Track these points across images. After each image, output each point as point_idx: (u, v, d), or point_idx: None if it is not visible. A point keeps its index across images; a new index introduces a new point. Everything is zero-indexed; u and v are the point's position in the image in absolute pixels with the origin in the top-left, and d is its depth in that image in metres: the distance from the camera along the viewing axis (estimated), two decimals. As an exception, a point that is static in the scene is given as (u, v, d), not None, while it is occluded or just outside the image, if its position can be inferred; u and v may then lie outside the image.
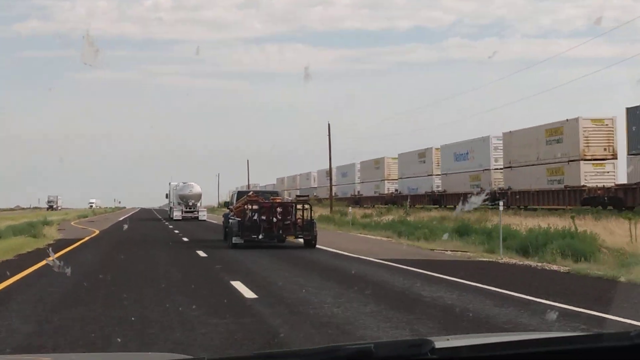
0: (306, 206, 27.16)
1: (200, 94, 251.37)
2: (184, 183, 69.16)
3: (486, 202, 40.56)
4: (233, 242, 26.54)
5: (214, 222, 57.17)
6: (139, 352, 8.10)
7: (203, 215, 66.84)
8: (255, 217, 26.45)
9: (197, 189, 68.11)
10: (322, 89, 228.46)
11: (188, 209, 67.10)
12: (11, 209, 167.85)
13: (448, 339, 3.54)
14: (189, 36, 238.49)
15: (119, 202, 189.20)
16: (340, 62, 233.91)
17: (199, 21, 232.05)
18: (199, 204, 68.18)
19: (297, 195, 31.72)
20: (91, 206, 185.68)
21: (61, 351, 8.37)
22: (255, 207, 26.63)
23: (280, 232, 26.47)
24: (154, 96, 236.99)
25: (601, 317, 10.66)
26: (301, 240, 27.09)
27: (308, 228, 26.56)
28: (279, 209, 26.68)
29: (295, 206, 27.02)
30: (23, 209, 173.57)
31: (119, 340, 8.90)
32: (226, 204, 34.98)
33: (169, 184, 73.29)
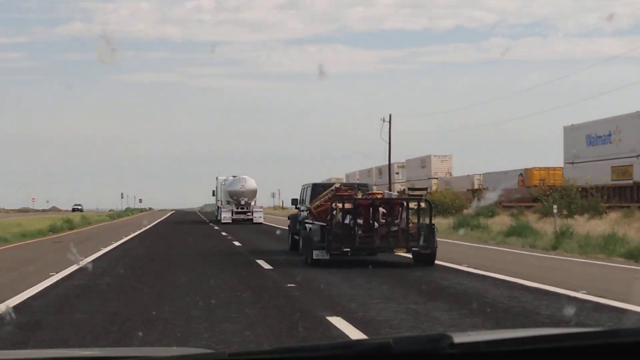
0: (422, 204, 20.20)
1: (240, 94, 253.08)
2: (234, 177, 60.96)
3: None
4: (314, 257, 19.84)
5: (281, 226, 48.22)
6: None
7: (259, 216, 58.94)
8: (347, 221, 19.68)
9: (250, 183, 59.76)
10: (364, 88, 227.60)
11: (240, 209, 59.13)
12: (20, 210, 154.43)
13: (469, 335, 3.87)
14: (229, 37, 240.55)
15: (140, 201, 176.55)
16: (380, 62, 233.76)
17: (239, 22, 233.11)
18: (253, 203, 60.08)
19: (409, 189, 24.61)
20: None
21: None
22: (347, 205, 19.83)
23: (386, 242, 19.59)
24: (194, 97, 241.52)
25: None
26: (401, 253, 20.10)
27: (426, 237, 19.58)
28: (382, 209, 19.83)
29: (407, 205, 20.07)
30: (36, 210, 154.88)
31: None
32: (294, 203, 28.40)
33: (216, 178, 66.30)
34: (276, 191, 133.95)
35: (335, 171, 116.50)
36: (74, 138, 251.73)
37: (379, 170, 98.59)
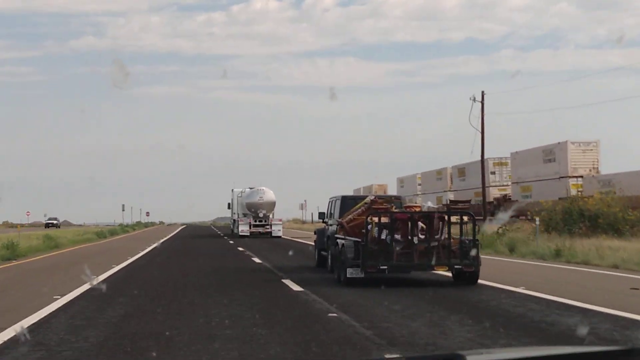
0: (466, 218, 18.94)
1: (251, 107, 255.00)
2: (251, 188, 60.23)
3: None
4: (348, 275, 18.64)
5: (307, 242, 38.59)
6: None
7: (278, 229, 57.78)
8: (384, 236, 18.47)
9: (269, 195, 58.78)
10: (373, 102, 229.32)
11: (258, 222, 58.18)
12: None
13: (482, 353, 4.09)
14: (240, 51, 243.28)
15: (147, 214, 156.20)
16: (391, 75, 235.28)
17: (250, 36, 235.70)
18: (271, 215, 58.99)
19: (451, 201, 23.21)
20: None
21: None
22: (383, 219, 18.61)
23: (425, 259, 18.34)
24: (206, 110, 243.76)
25: None
26: (437, 270, 18.91)
27: (469, 254, 18.34)
28: (421, 224, 18.62)
29: (449, 219, 18.81)
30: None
31: None
32: (322, 216, 27.19)
33: (232, 190, 65.24)
34: (302, 202, 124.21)
35: (368, 179, 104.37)
36: (83, 150, 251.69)
37: (460, 170, 70.38)
